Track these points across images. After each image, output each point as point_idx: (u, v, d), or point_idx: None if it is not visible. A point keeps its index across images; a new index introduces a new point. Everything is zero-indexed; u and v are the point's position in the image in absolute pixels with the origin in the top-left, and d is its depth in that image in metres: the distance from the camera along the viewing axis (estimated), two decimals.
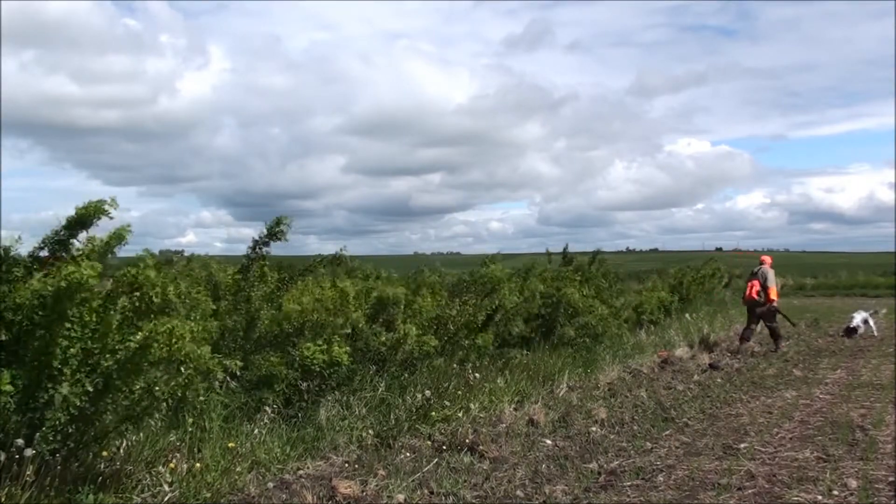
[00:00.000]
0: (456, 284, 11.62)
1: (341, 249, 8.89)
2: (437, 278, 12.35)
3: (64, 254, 5.47)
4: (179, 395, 5.37)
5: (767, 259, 16.28)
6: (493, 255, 12.06)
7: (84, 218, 5.42)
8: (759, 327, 16.47)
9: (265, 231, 7.62)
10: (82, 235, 5.50)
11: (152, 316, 5.20)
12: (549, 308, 12.79)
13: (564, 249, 17.93)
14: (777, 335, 16.03)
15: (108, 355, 5.18)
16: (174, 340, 4.98)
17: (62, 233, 5.49)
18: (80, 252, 5.28)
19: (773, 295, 15.62)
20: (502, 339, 11.56)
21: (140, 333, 5.06)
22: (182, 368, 5.31)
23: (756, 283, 15.70)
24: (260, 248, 7.69)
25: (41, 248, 5.62)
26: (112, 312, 5.15)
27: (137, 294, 5.18)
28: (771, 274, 15.71)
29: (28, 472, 4.87)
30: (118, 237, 5.35)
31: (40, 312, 5.00)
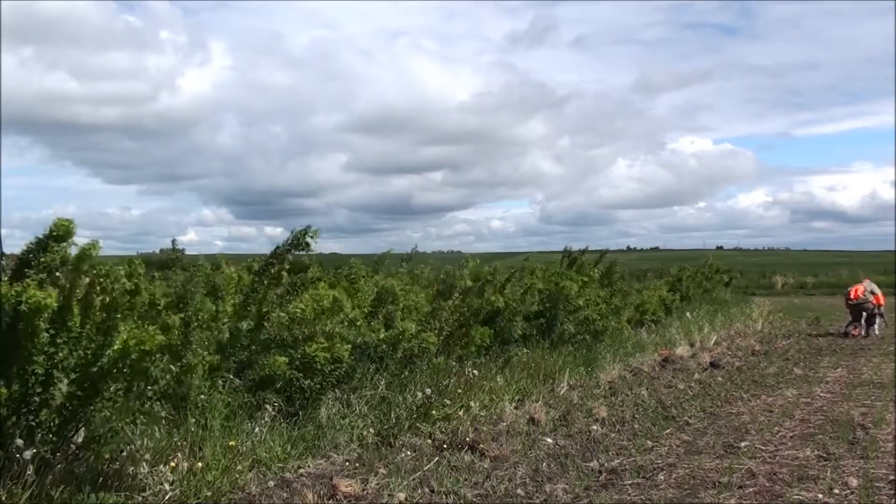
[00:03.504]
0: (443, 282, 11.62)
1: (352, 261, 8.76)
2: (418, 272, 12.29)
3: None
4: (172, 391, 5.39)
5: (867, 279, 20.28)
6: (469, 258, 12.00)
7: (54, 238, 5.41)
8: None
9: (290, 240, 7.52)
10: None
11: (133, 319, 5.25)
12: (549, 303, 12.76)
13: (566, 250, 17.89)
14: (871, 324, 19.08)
15: (91, 359, 5.23)
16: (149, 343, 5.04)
17: (33, 246, 5.45)
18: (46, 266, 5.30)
19: (882, 300, 19.55)
20: (502, 338, 11.55)
21: (118, 342, 5.09)
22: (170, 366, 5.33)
23: (860, 286, 19.31)
24: (282, 255, 7.59)
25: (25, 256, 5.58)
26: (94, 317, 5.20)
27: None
28: (875, 286, 19.67)
29: (29, 472, 4.88)
30: (87, 255, 5.36)
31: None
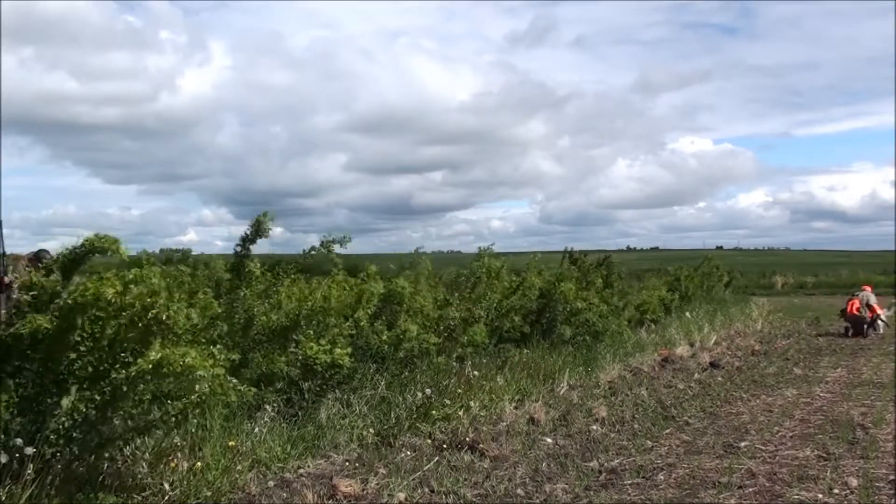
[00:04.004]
0: (454, 280, 11.61)
1: (324, 236, 8.60)
2: (428, 268, 12.30)
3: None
4: (190, 412, 5.41)
5: (869, 288, 20.79)
6: (487, 249, 11.99)
7: (97, 248, 5.44)
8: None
9: (250, 230, 7.53)
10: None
11: (166, 338, 5.28)
12: (545, 301, 12.75)
13: (567, 250, 17.94)
14: (873, 326, 19.39)
15: (118, 367, 5.24)
16: (186, 365, 5.06)
17: (79, 250, 5.48)
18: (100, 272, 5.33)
19: (879, 310, 19.83)
20: (500, 336, 11.55)
21: (154, 354, 5.11)
22: (196, 387, 5.33)
23: (856, 301, 19.48)
24: (247, 246, 7.60)
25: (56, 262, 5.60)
26: (125, 330, 5.25)
27: (152, 314, 5.25)
28: (872, 297, 19.95)
29: (29, 472, 4.88)
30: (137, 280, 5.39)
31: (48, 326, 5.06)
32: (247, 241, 7.54)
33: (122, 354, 5.28)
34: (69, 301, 5.00)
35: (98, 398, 5.17)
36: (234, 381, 5.44)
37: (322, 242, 7.77)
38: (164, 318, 5.18)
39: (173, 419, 5.42)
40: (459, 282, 11.41)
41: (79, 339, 5.12)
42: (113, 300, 5.01)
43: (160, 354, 5.09)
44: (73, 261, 5.44)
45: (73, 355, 5.14)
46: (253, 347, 7.50)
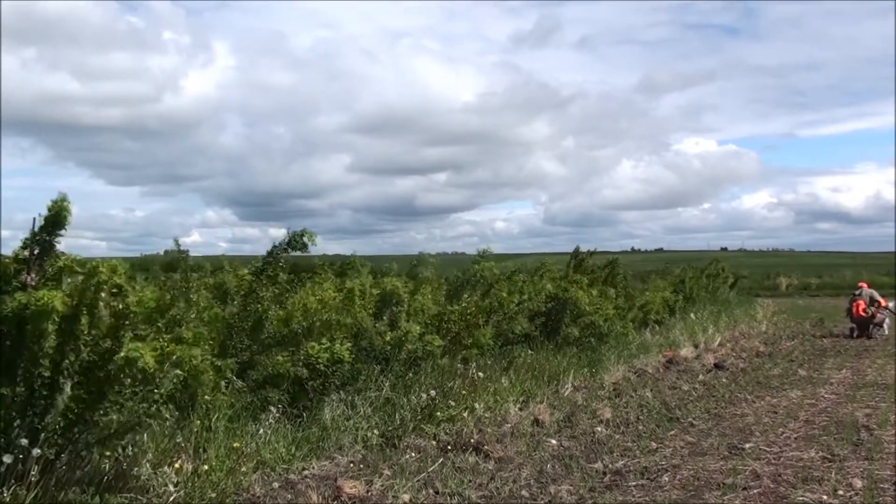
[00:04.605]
0: (453, 283, 11.63)
1: (353, 255, 8.81)
2: (432, 273, 12.32)
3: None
4: (177, 396, 5.42)
5: (865, 284, 20.53)
6: (485, 252, 12.02)
7: (58, 217, 5.41)
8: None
9: (286, 239, 7.64)
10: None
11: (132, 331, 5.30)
12: (555, 304, 12.74)
13: (576, 250, 17.92)
14: (879, 326, 19.32)
15: (101, 364, 5.24)
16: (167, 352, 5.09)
17: (43, 235, 5.44)
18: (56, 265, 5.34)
19: (884, 303, 19.70)
20: (505, 338, 11.55)
21: (125, 348, 5.10)
22: (177, 371, 5.33)
23: (861, 302, 19.23)
24: (278, 254, 7.72)
25: (25, 248, 5.56)
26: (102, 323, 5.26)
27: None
28: (874, 292, 19.89)
29: (33, 473, 4.89)
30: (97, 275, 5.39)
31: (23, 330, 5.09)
32: (276, 249, 7.64)
33: (100, 349, 5.28)
34: (30, 310, 5.00)
35: (86, 396, 5.19)
36: (211, 359, 5.40)
37: (292, 236, 7.86)
38: (121, 307, 5.19)
39: (156, 407, 5.42)
40: (458, 287, 11.42)
41: (61, 339, 5.13)
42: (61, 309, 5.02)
43: (126, 353, 5.07)
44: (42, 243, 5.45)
45: (57, 357, 5.16)
46: (261, 351, 7.53)
